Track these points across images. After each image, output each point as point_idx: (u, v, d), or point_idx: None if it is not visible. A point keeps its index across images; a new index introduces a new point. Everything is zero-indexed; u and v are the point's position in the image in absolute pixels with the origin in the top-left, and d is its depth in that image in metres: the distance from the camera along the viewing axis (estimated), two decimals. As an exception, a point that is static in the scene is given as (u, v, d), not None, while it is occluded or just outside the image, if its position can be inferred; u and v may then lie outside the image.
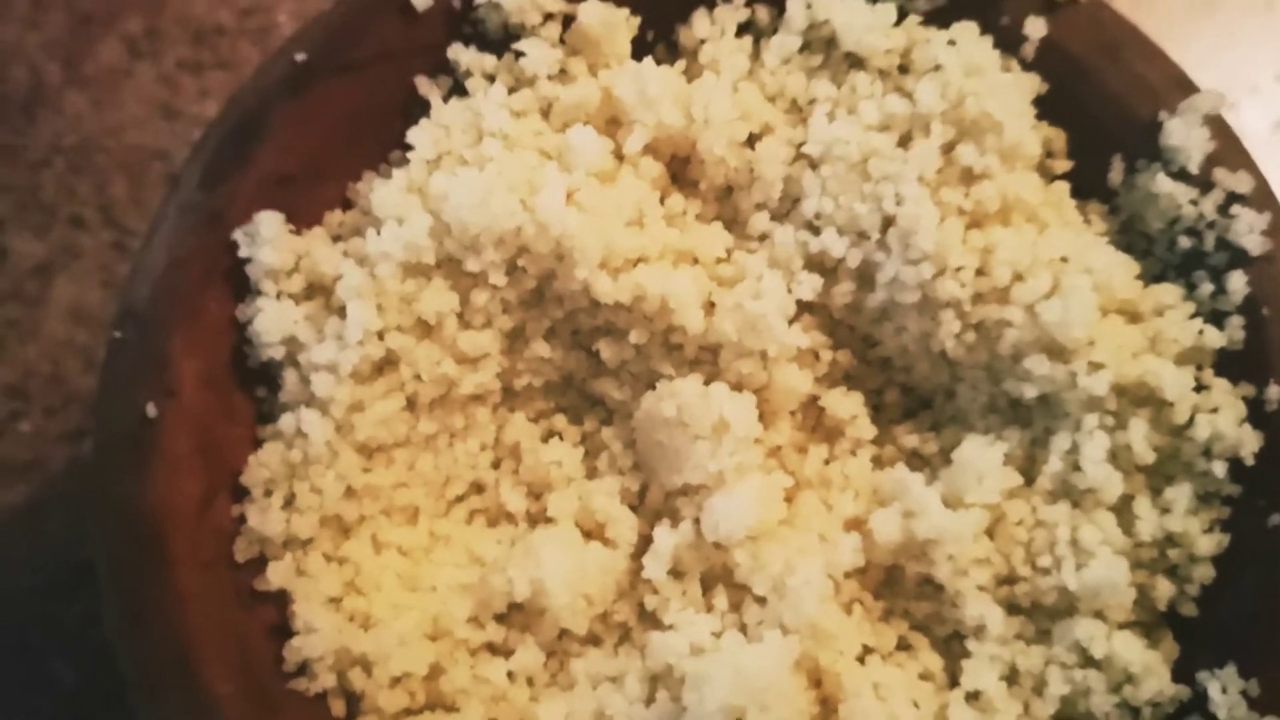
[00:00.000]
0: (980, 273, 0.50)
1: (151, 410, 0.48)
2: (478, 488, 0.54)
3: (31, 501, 0.68)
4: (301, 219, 0.51)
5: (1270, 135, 0.77)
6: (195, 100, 0.73)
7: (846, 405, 0.53)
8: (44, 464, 0.68)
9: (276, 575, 0.49)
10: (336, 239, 0.52)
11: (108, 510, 0.48)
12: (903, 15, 0.52)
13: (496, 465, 0.55)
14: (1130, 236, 0.53)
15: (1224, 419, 0.49)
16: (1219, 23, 0.79)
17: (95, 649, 0.65)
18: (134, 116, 0.73)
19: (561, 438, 0.55)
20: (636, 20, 0.53)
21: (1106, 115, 0.52)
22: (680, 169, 0.54)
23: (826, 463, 0.54)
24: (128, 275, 0.50)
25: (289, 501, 0.50)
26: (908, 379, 0.54)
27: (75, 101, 0.72)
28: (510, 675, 0.51)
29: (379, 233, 0.50)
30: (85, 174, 0.72)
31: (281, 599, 0.50)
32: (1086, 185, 0.53)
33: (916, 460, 0.54)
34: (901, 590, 0.53)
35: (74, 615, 0.66)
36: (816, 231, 0.52)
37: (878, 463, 0.54)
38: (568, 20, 0.52)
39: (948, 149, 0.50)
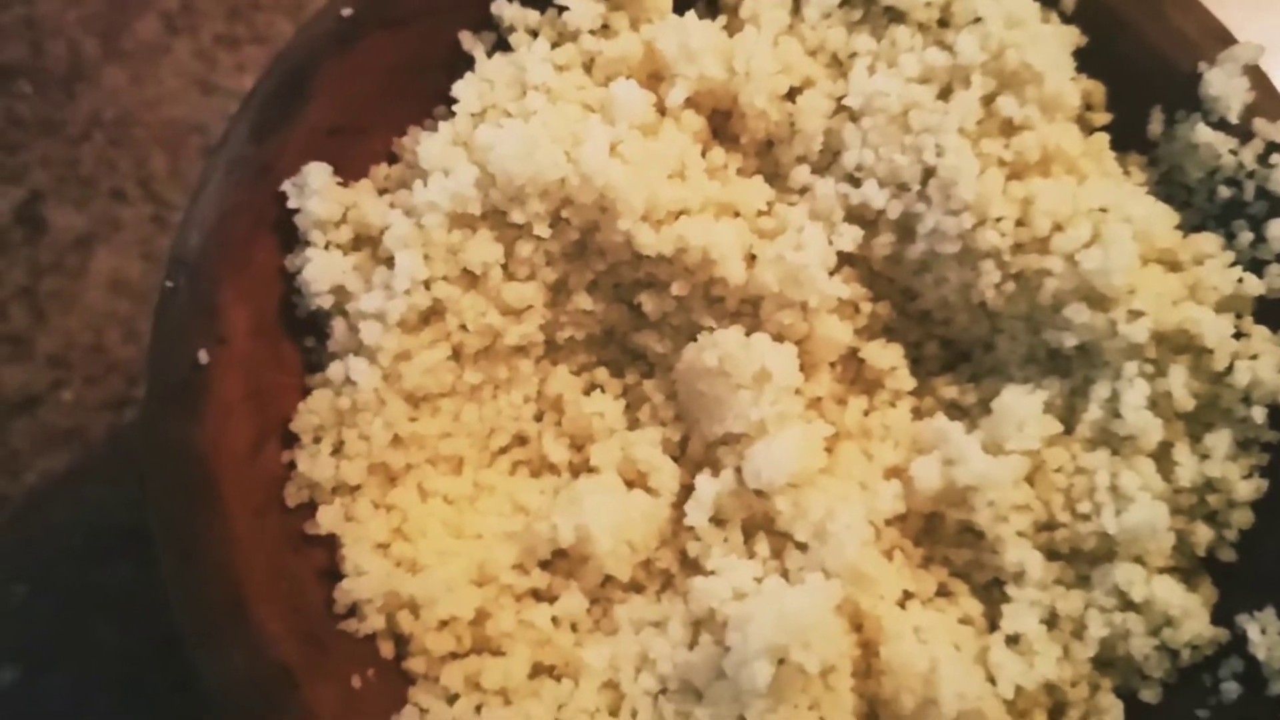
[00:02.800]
0: (1020, 223, 0.50)
1: (204, 356, 0.48)
2: (521, 439, 0.55)
3: (73, 468, 0.69)
4: (348, 172, 0.52)
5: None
6: (232, 74, 0.74)
7: (886, 357, 0.54)
8: (85, 432, 0.69)
9: (326, 519, 0.50)
10: (383, 192, 0.52)
11: (161, 455, 0.48)
12: (943, -31, 0.53)
13: (539, 417, 0.55)
14: (1170, 187, 0.53)
15: (1264, 365, 0.49)
16: (1247, -7, 0.79)
17: (136, 612, 0.65)
18: (171, 91, 0.74)
19: (603, 390, 0.55)
20: (679, -25, 0.53)
21: (1145, 67, 0.52)
22: (722, 123, 0.54)
23: (866, 414, 0.54)
24: (178, 226, 0.50)
25: (337, 448, 0.51)
26: (947, 331, 0.55)
27: (114, 76, 0.73)
28: (555, 620, 0.52)
29: (425, 184, 0.50)
30: (124, 147, 0.73)
31: (331, 543, 0.50)
32: (1126, 137, 0.53)
33: (956, 411, 0.54)
34: (941, 537, 0.53)
35: (115, 579, 0.66)
36: (857, 183, 0.52)
37: (917, 414, 0.54)
38: (610, -25, 0.53)
39: (988, 100, 0.51)
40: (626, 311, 0.54)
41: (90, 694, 0.65)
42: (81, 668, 0.65)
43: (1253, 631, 0.49)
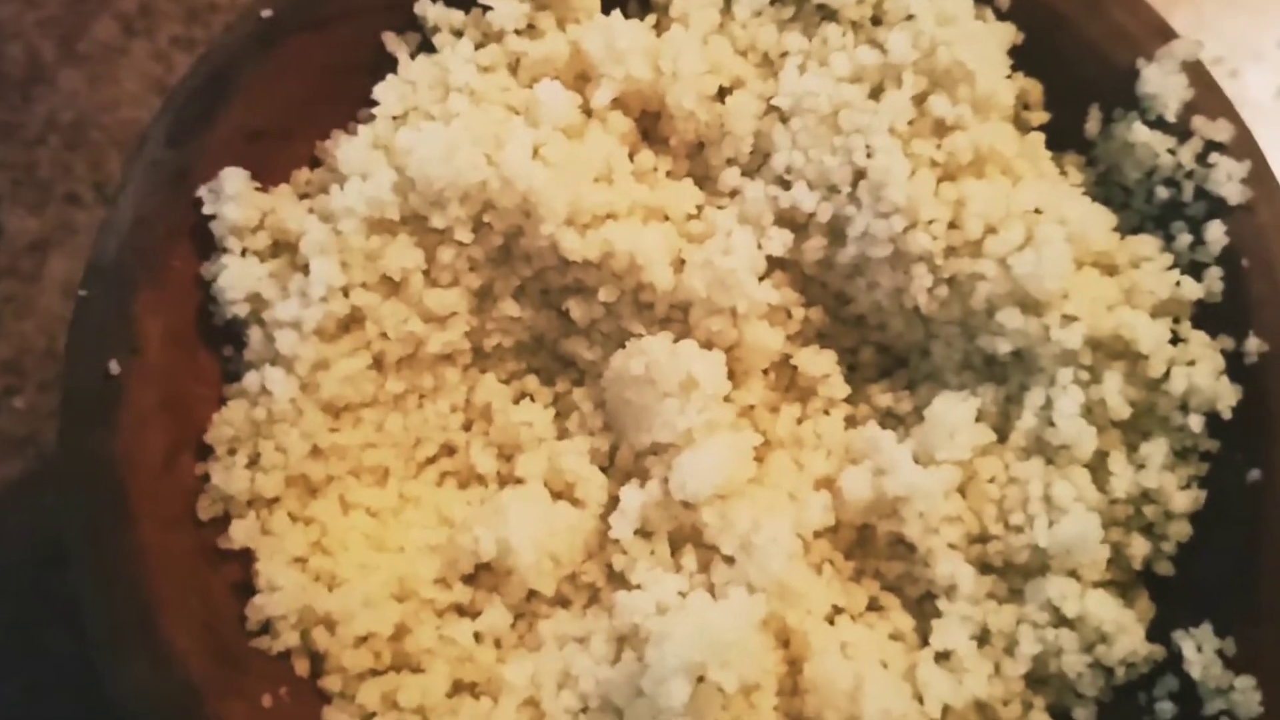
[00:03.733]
0: (953, 225, 0.49)
1: (115, 367, 0.48)
2: (449, 449, 0.54)
3: (27, 476, 0.68)
4: (270, 177, 0.51)
5: (1273, 103, 0.76)
6: (189, 77, 0.73)
7: (819, 364, 0.53)
8: (39, 439, 0.69)
9: (240, 533, 0.49)
10: (304, 196, 0.52)
11: (74, 465, 0.48)
12: (875, -34, 0.52)
13: (468, 427, 0.54)
14: (1108, 188, 0.52)
15: (1201, 372, 0.48)
16: (1223, -11, 0.78)
17: (88, 620, 0.65)
18: (129, 93, 0.73)
19: (533, 399, 0.54)
20: (606, -26, 0.52)
21: (1084, 64, 0.51)
22: (651, 125, 0.53)
23: (799, 422, 0.53)
24: (97, 232, 0.50)
25: (254, 460, 0.50)
26: (882, 337, 0.54)
27: (71, 79, 0.73)
28: (477, 636, 0.51)
29: (343, 188, 0.49)
30: (81, 151, 0.72)
31: (246, 557, 0.49)
32: (1064, 137, 0.52)
33: (891, 419, 0.53)
34: (873, 550, 0.52)
35: (69, 587, 0.65)
36: (787, 186, 0.51)
37: (851, 422, 0.53)
38: (537, -25, 0.52)
39: (920, 100, 0.49)
40: (555, 318, 0.53)
41: (44, 702, 0.64)
42: (36, 676, 0.65)
43: (1188, 649, 0.47)
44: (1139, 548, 0.49)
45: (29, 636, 0.65)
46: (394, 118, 0.51)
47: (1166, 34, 0.50)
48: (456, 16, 0.52)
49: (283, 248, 0.51)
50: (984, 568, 0.50)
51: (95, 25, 0.74)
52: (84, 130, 0.72)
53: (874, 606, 0.52)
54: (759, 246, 0.51)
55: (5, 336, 0.69)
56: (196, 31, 0.74)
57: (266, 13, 0.50)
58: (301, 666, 0.49)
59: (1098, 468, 0.49)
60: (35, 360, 0.69)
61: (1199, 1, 0.77)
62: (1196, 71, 0.50)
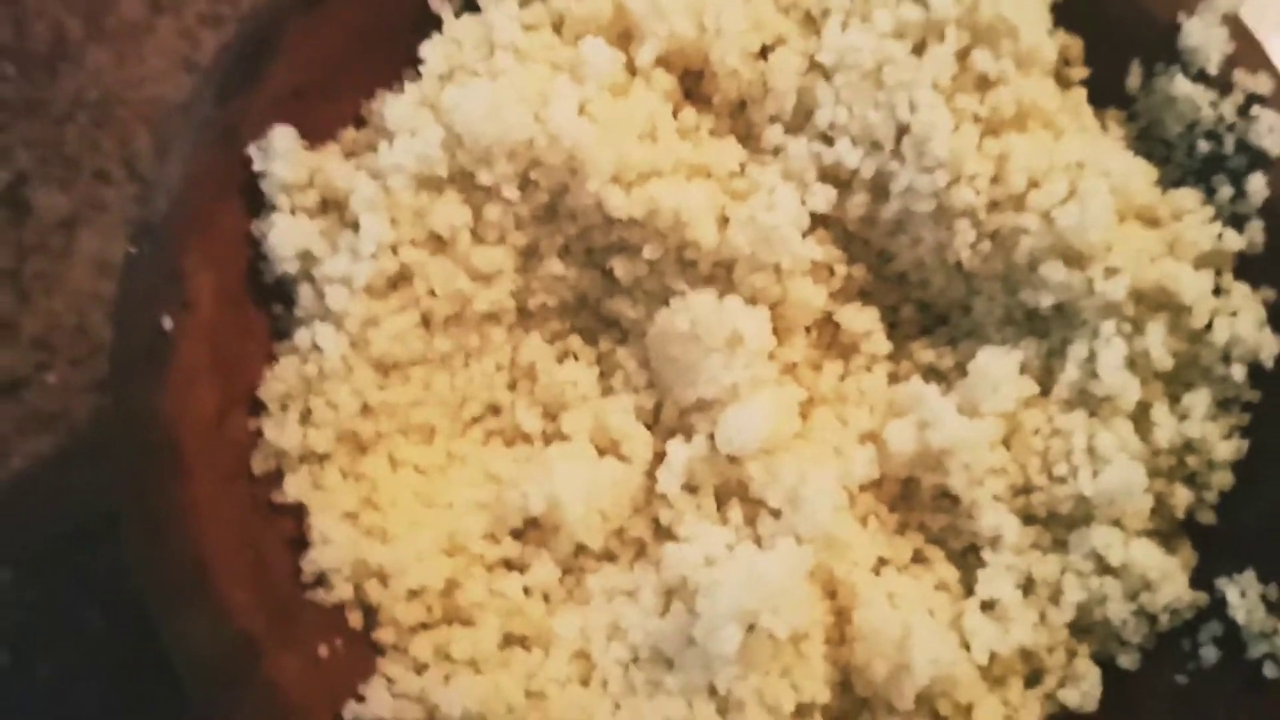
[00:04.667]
0: (996, 180, 0.49)
1: (168, 323, 0.48)
2: (494, 409, 0.54)
3: (58, 452, 0.68)
4: (316, 136, 0.51)
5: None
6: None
7: (862, 320, 0.53)
8: (70, 415, 0.69)
9: (293, 488, 0.49)
10: (350, 155, 0.52)
11: (125, 423, 0.48)
12: (918, -77, 0.52)
13: (512, 386, 0.54)
14: (1149, 143, 0.52)
15: (1243, 322, 0.48)
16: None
17: (123, 597, 0.65)
18: (155, 70, 0.73)
19: (577, 358, 0.54)
20: (648, -68, 0.52)
21: (1124, 19, 0.51)
22: (694, 84, 0.53)
23: (842, 378, 0.53)
24: (147, 190, 0.50)
25: (305, 416, 0.50)
26: (924, 294, 0.54)
27: (97, 56, 0.73)
28: (526, 590, 0.51)
29: (391, 146, 0.50)
30: (108, 128, 0.72)
31: (299, 512, 0.50)
32: (1104, 92, 0.52)
33: (933, 375, 0.53)
34: (917, 503, 0.52)
35: (101, 564, 0.66)
36: (830, 142, 0.51)
37: (893, 378, 0.53)
38: (580, -66, 0.52)
39: (963, 55, 0.50)
40: (599, 277, 0.54)
41: (77, 679, 0.65)
42: (68, 653, 0.65)
43: (1232, 595, 0.48)
44: (1182, 497, 0.49)
45: (60, 616, 0.65)
46: (440, 76, 0.51)
47: (1206, -12, 0.51)
48: (502, -25, 0.52)
49: (331, 205, 0.51)
50: (1028, 519, 0.51)
51: (121, 2, 0.74)
52: (111, 107, 0.72)
53: (919, 559, 0.52)
54: (802, 203, 0.51)
55: (36, 313, 0.69)
56: (223, 8, 0.74)
57: (311, -28, 0.50)
58: (355, 619, 0.49)
59: (1140, 419, 0.49)
60: (66, 337, 0.69)
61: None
62: (1237, 25, 0.50)
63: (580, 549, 0.52)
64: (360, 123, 0.52)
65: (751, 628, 0.46)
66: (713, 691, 0.47)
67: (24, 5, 0.73)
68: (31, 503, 0.67)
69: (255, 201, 0.50)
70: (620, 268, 0.53)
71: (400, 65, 0.52)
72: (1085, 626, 0.50)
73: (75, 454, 0.68)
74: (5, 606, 0.65)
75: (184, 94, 0.72)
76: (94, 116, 0.72)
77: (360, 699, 0.48)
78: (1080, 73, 0.52)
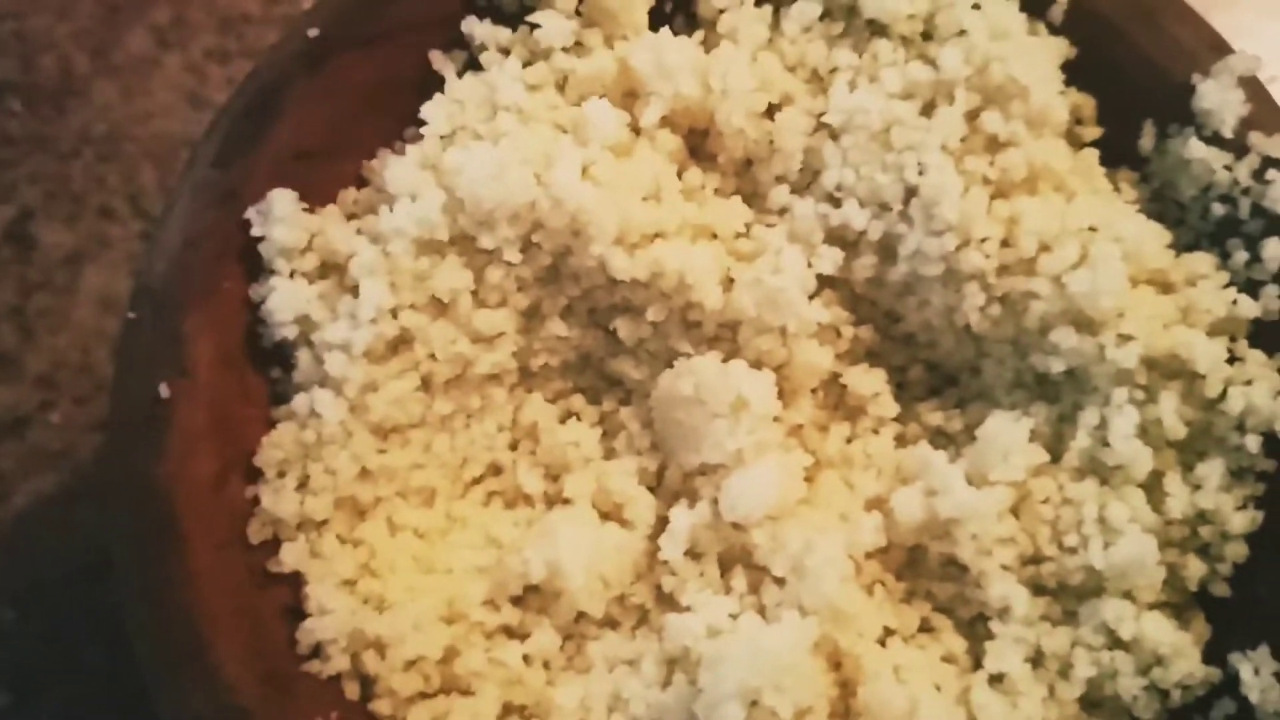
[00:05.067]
0: (1006, 243, 0.49)
1: (165, 390, 0.47)
2: (495, 469, 0.54)
3: (62, 490, 0.68)
4: (317, 197, 0.51)
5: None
6: (222, 88, 0.73)
7: (869, 382, 0.52)
8: (74, 453, 0.69)
9: (290, 556, 0.49)
10: (351, 217, 0.51)
11: (122, 488, 0.48)
12: (927, -20, 0.51)
13: (514, 446, 0.54)
14: (1162, 205, 0.52)
15: (1258, 391, 0.48)
16: (1259, -5, 0.77)
17: (126, 635, 0.65)
18: (162, 105, 0.73)
19: (579, 418, 0.54)
20: (654, -10, 0.52)
21: (1138, 79, 0.51)
22: (699, 142, 0.53)
23: (848, 441, 0.53)
24: (145, 253, 0.50)
25: (303, 483, 0.50)
26: (932, 355, 0.53)
27: (104, 91, 0.73)
28: (526, 658, 0.51)
29: (392, 209, 0.49)
30: (114, 163, 0.72)
31: (296, 580, 0.49)
32: (1117, 152, 0.51)
33: (941, 438, 0.53)
34: (925, 571, 0.52)
35: (104, 601, 0.65)
36: (837, 204, 0.51)
37: (901, 441, 0.53)
38: (584, -9, 0.52)
39: (972, 116, 0.49)
40: (602, 337, 0.53)
41: (80, 718, 0.64)
42: (71, 692, 0.65)
43: (1245, 671, 0.47)
44: (1195, 569, 0.49)
45: (65, 651, 0.65)
46: (442, 137, 0.51)
47: (1223, 48, 0.50)
48: (504, 34, 0.51)
49: (331, 269, 0.51)
50: (1037, 589, 0.50)
51: (128, 37, 0.74)
52: (117, 142, 0.72)
53: (926, 628, 0.52)
54: (809, 265, 0.51)
55: (40, 350, 0.69)
56: (230, 43, 0.74)
57: (313, 31, 0.50)
58: (351, 690, 0.49)
59: (1153, 488, 0.49)
60: (70, 374, 0.69)
61: (1236, 8, 0.77)
62: (1253, 86, 0.49)
63: (581, 616, 0.52)
64: (362, 183, 0.52)
65: (754, 704, 0.45)
66: (714, 767, 0.47)
67: (32, 40, 0.73)
68: (35, 542, 0.67)
69: (255, 265, 0.50)
70: (624, 329, 0.52)
71: (403, 124, 0.52)
72: (1096, 701, 0.49)
73: (78, 492, 0.68)
74: (9, 646, 0.65)
75: (190, 129, 0.73)
76: (100, 152, 0.72)
77: (356, 774, 0.48)
78: (1093, 133, 0.52)
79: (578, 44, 0.52)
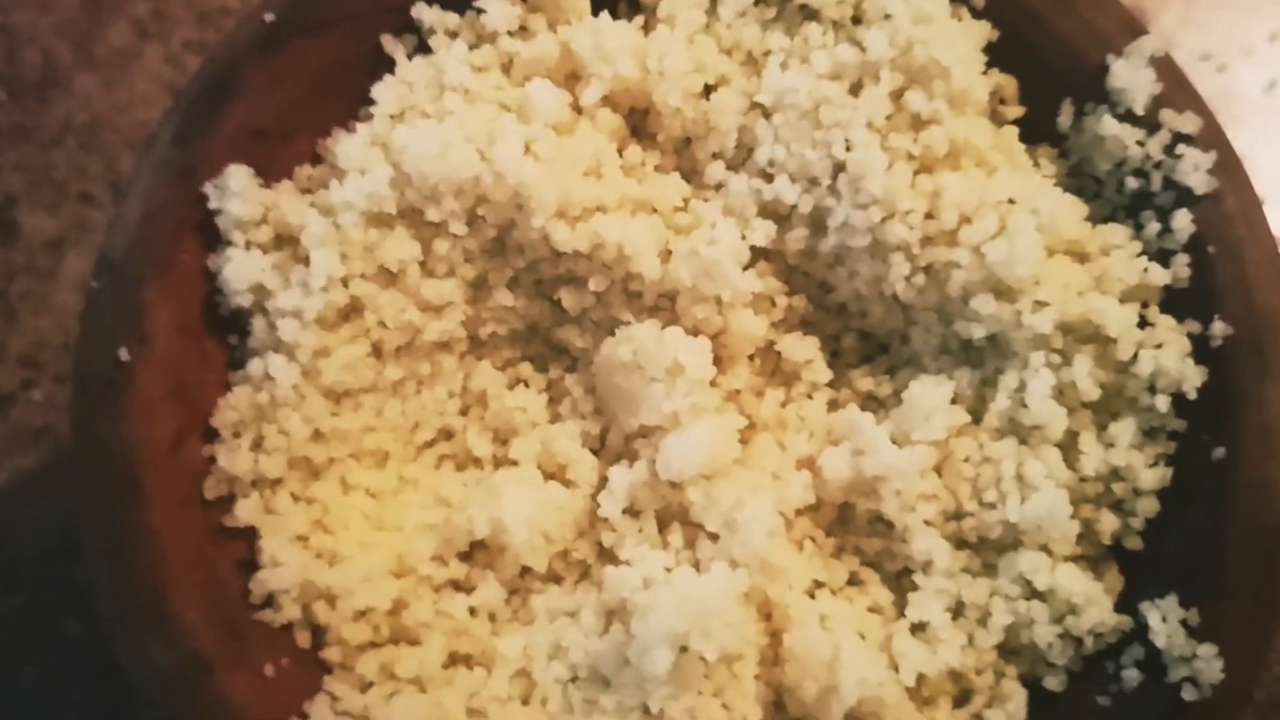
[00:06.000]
0: (929, 216, 0.51)
1: (125, 354, 0.50)
2: (446, 433, 0.56)
3: (44, 466, 0.70)
4: (273, 174, 0.53)
5: (1262, 96, 0.77)
6: (201, 79, 0.75)
7: (802, 349, 0.54)
8: (55, 430, 0.70)
9: (244, 512, 0.51)
10: (306, 192, 0.53)
11: (85, 449, 0.50)
12: (855, -34, 0.53)
13: (464, 412, 0.56)
14: (1080, 179, 0.54)
15: (1168, 354, 0.50)
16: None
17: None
18: (142, 96, 0.75)
19: (527, 385, 0.56)
20: (595, -23, 0.54)
21: (1056, 60, 0.53)
22: (640, 122, 0.55)
23: (783, 405, 0.55)
24: (107, 228, 0.52)
25: (258, 443, 0.52)
26: (863, 323, 0.55)
27: (85, 82, 0.74)
28: (472, 610, 0.53)
29: (342, 184, 0.51)
30: (95, 152, 0.74)
31: (251, 535, 0.51)
32: (1038, 130, 0.54)
33: (872, 403, 0.55)
34: (853, 527, 0.54)
35: (84, 575, 0.67)
36: (770, 179, 0.53)
37: (834, 406, 0.55)
38: (529, -23, 0.54)
39: (897, 96, 0.51)
40: (548, 307, 0.55)
41: (61, 689, 0.66)
42: (53, 663, 0.67)
43: (1153, 619, 0.49)
44: (1108, 523, 0.50)
45: (45, 624, 0.67)
46: (391, 116, 0.53)
47: (1135, 30, 0.52)
48: (451, 19, 0.53)
49: (285, 241, 0.53)
50: (959, 543, 0.52)
51: (109, 29, 0.75)
52: (98, 132, 0.74)
53: (854, 581, 0.54)
54: (743, 237, 0.53)
55: (23, 331, 0.71)
56: (209, 34, 0.76)
57: (269, 16, 0.52)
58: (303, 638, 0.51)
59: (1069, 447, 0.51)
60: (52, 354, 0.71)
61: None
62: (1165, 66, 0.51)
63: (526, 570, 0.54)
64: (317, 160, 0.54)
65: (683, 649, 0.47)
66: (646, 711, 0.49)
67: (15, 32, 0.75)
68: (18, 517, 0.69)
69: (212, 237, 0.52)
70: (568, 299, 0.54)
71: (356, 105, 0.54)
72: (1013, 649, 0.51)
73: (60, 468, 0.70)
74: (-8, 618, 0.67)
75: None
76: (82, 141, 0.74)
77: (304, 716, 0.50)
78: (1015, 111, 0.54)
79: (522, 28, 0.54)
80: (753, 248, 0.53)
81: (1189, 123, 0.51)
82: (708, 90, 0.53)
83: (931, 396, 0.51)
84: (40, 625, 0.67)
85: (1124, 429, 0.50)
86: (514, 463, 0.55)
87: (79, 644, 0.67)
